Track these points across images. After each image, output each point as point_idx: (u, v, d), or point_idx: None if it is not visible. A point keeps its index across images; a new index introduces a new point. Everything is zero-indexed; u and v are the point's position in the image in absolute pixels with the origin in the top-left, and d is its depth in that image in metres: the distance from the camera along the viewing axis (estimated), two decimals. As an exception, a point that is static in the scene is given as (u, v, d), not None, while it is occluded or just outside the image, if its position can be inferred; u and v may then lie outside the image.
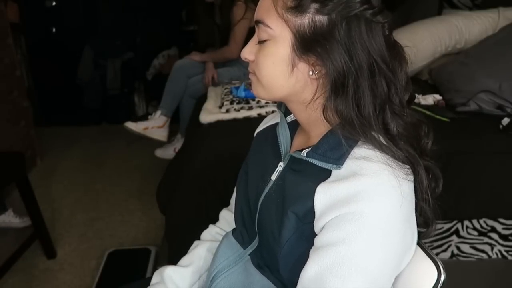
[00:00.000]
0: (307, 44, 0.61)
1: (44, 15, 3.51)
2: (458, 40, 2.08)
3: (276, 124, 0.80)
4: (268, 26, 0.63)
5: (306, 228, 0.62)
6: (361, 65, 0.60)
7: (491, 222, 1.49)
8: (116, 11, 3.52)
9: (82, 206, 2.41)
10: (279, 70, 0.64)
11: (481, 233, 1.50)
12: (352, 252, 0.56)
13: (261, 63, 0.66)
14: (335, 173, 0.61)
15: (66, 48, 3.54)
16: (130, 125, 2.41)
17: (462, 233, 1.51)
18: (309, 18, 0.61)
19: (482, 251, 1.53)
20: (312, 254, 0.60)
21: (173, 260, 0.92)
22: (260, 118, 1.32)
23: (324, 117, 0.64)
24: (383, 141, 0.61)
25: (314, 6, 0.60)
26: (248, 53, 0.69)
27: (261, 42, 0.66)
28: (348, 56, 0.60)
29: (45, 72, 3.55)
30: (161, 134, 2.47)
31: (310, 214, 0.61)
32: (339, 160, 0.61)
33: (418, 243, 0.67)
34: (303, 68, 0.64)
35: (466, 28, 2.07)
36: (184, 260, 0.90)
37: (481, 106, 1.70)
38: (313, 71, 0.63)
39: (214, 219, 0.98)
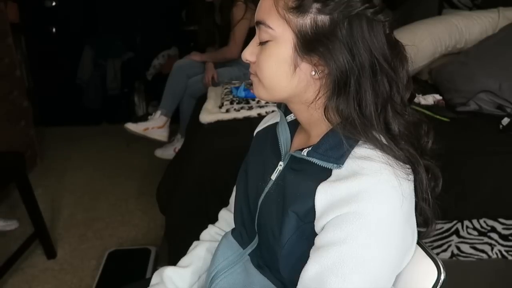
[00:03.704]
0: (310, 44, 0.61)
1: (44, 15, 3.51)
2: (458, 40, 2.08)
3: (276, 123, 0.80)
4: (269, 27, 0.63)
5: (307, 227, 0.62)
6: (363, 64, 0.60)
7: (491, 222, 1.49)
8: (116, 11, 3.52)
9: (82, 206, 2.41)
10: (281, 71, 0.64)
11: (481, 233, 1.50)
12: (353, 252, 0.56)
13: (263, 64, 0.66)
14: (335, 172, 0.61)
15: (66, 48, 3.54)
16: (131, 126, 2.41)
17: (462, 233, 1.50)
18: (311, 18, 0.60)
19: (482, 251, 1.52)
20: (313, 253, 0.60)
21: (173, 260, 0.92)
22: (260, 118, 1.32)
23: (325, 117, 0.63)
24: (384, 141, 0.61)
25: (315, 6, 0.60)
26: (249, 54, 0.68)
27: (262, 43, 0.65)
28: (350, 55, 0.60)
29: (45, 72, 3.55)
30: (161, 135, 2.47)
31: (310, 213, 0.61)
32: (339, 160, 0.61)
33: (418, 243, 0.67)
34: (305, 68, 0.63)
35: (466, 28, 2.07)
36: (183, 261, 0.90)
37: (481, 106, 1.70)
38: (315, 71, 0.63)
39: (214, 219, 0.98)
